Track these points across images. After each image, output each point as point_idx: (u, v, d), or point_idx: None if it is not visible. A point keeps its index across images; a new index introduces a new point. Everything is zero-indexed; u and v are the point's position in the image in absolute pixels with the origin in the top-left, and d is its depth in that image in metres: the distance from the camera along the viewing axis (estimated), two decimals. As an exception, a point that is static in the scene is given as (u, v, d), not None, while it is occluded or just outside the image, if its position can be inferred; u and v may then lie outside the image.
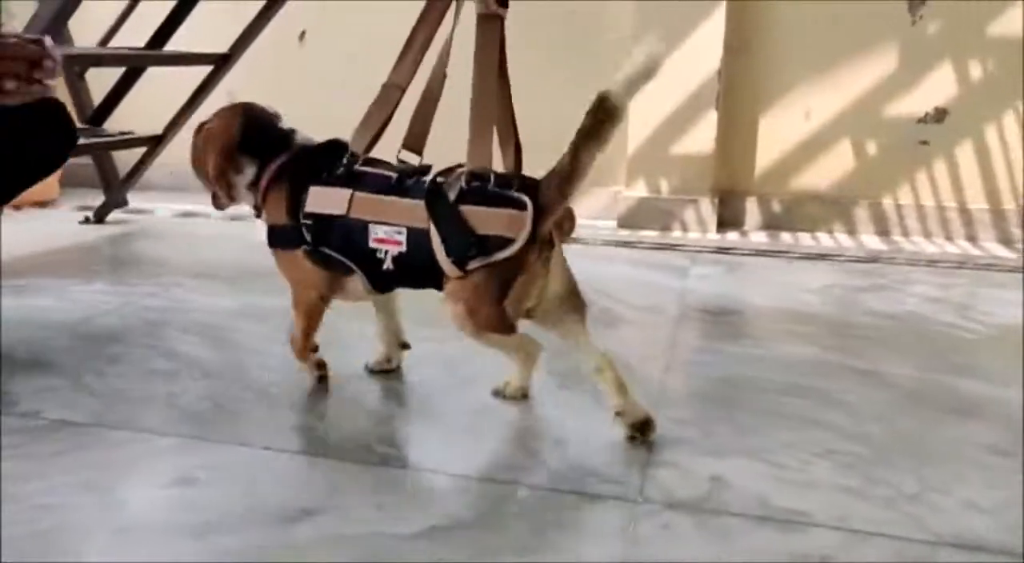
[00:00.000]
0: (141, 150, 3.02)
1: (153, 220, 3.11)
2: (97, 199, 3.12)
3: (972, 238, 3.08)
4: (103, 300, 2.13)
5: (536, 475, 1.30)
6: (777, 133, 3.19)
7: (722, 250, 2.84)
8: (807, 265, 2.67)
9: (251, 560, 1.08)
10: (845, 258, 2.76)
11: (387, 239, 1.41)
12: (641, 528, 1.16)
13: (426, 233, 1.37)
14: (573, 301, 1.43)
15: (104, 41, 3.00)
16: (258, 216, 1.56)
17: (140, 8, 3.00)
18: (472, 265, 1.35)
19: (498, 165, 1.42)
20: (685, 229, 3.13)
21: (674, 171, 3.14)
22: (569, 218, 1.41)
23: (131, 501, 1.24)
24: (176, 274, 2.37)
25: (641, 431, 1.40)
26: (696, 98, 3.07)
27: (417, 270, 1.41)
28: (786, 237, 3.12)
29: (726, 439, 1.44)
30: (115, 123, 3.08)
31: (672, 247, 2.87)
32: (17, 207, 3.10)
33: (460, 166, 1.40)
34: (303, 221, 1.46)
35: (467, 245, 1.34)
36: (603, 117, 1.27)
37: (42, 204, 3.24)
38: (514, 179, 1.38)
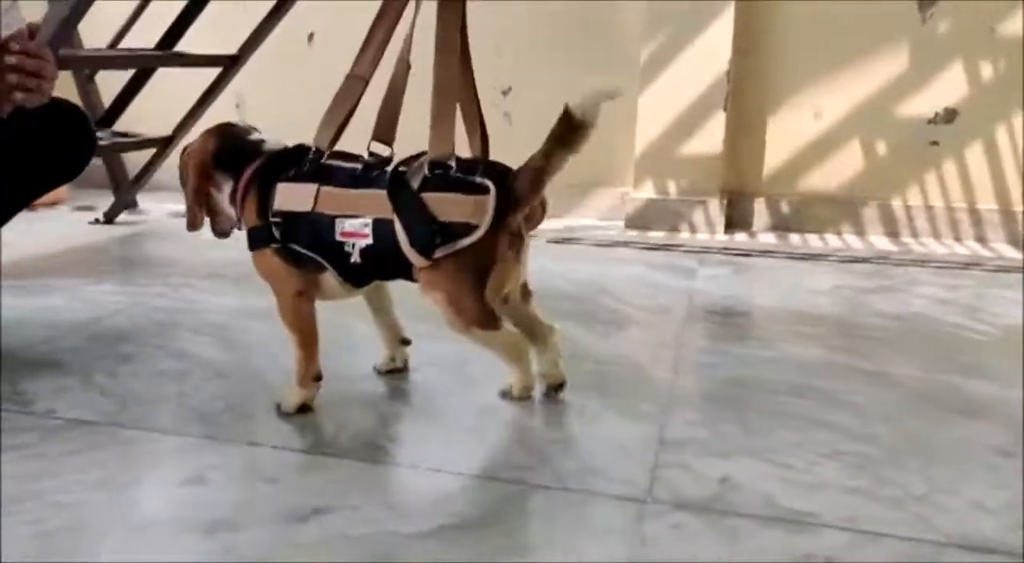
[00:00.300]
0: (151, 151, 3.04)
1: (162, 221, 3.12)
2: (107, 200, 3.13)
3: (981, 239, 3.07)
4: (113, 300, 2.15)
5: (544, 475, 1.31)
6: (786, 134, 3.19)
7: (730, 251, 2.84)
8: (815, 266, 2.67)
9: (261, 559, 1.09)
10: (854, 259, 2.75)
11: (354, 232, 1.40)
12: (649, 528, 1.17)
13: (391, 223, 1.37)
14: (525, 289, 1.52)
15: (114, 42, 3.02)
16: (240, 229, 1.54)
17: (150, 8, 3.01)
18: (438, 253, 1.35)
19: (466, 153, 1.42)
20: (693, 230, 3.13)
21: (682, 172, 3.14)
22: (541, 205, 1.42)
23: (143, 500, 1.25)
24: (185, 274, 2.38)
25: (556, 391, 1.56)
26: (705, 99, 3.07)
27: (385, 262, 1.41)
28: (795, 238, 3.11)
29: (734, 440, 1.44)
30: (125, 124, 3.09)
31: (680, 248, 2.87)
32: (28, 207, 3.12)
33: (423, 153, 1.40)
34: (272, 219, 1.45)
35: (431, 233, 1.34)
36: (571, 128, 1.33)
37: (52, 204, 3.25)
38: (479, 164, 1.39)
